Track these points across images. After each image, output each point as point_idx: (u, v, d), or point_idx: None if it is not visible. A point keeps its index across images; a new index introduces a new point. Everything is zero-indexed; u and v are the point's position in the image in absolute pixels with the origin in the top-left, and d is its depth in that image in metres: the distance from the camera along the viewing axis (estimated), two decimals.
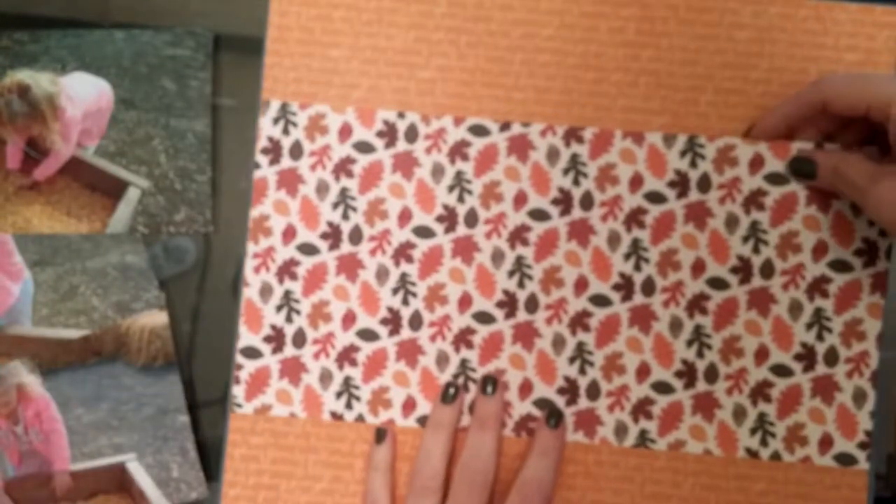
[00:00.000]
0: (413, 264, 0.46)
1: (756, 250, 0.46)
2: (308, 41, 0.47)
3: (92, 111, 0.48)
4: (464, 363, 0.46)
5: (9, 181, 0.48)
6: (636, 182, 0.46)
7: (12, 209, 0.48)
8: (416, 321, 0.46)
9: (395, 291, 0.46)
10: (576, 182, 0.46)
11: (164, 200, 0.48)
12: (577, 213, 0.46)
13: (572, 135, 0.47)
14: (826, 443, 0.45)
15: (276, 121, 0.47)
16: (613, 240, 0.46)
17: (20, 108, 0.48)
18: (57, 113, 0.48)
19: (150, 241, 0.48)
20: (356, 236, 0.46)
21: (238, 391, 0.46)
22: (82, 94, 0.48)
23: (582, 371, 0.46)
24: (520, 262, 0.46)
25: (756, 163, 0.46)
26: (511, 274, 0.46)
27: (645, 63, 0.47)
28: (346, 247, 0.46)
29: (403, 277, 0.46)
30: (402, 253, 0.46)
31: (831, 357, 0.46)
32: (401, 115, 0.47)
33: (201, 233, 0.48)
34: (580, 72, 0.47)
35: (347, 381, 0.46)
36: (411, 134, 0.47)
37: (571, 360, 0.46)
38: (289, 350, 0.46)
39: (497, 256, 0.46)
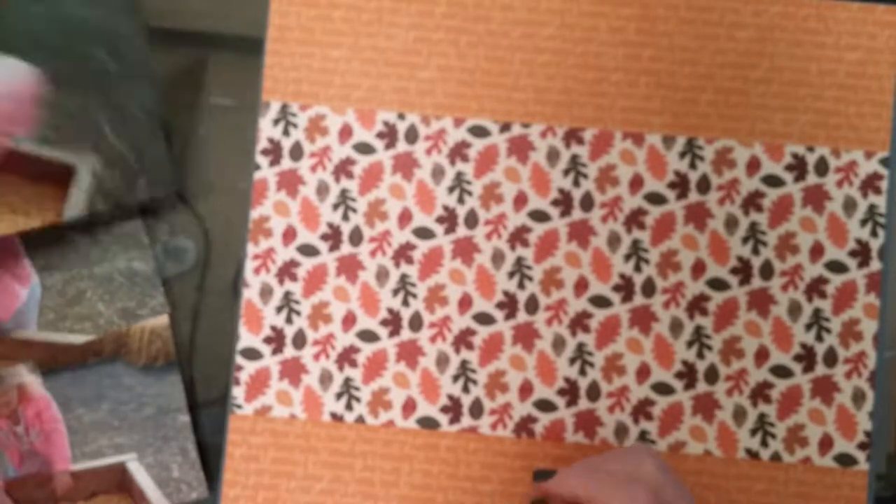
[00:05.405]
0: (413, 265, 0.46)
1: (755, 251, 0.46)
2: (308, 41, 0.47)
3: (11, 96, 0.45)
4: (464, 364, 0.46)
5: None
6: (636, 183, 0.46)
7: None
8: (416, 322, 0.46)
9: (395, 292, 0.46)
10: (576, 183, 0.46)
11: (118, 175, 0.46)
12: (577, 214, 0.46)
13: (572, 136, 0.47)
14: (826, 443, 0.46)
15: (276, 122, 0.47)
16: (613, 241, 0.46)
17: None
18: None
19: (151, 242, 0.48)
20: (356, 237, 0.46)
21: (238, 392, 0.46)
22: None
23: (582, 372, 0.46)
24: (520, 263, 0.46)
25: (753, 165, 0.46)
26: (511, 275, 0.46)
27: (645, 63, 0.47)
28: (346, 248, 0.46)
29: (403, 278, 0.46)
30: (403, 254, 0.46)
31: (830, 358, 0.46)
32: (401, 117, 0.47)
33: (169, 193, 0.47)
34: (580, 72, 0.47)
35: (347, 382, 0.46)
36: (411, 135, 0.47)
37: (572, 360, 0.46)
38: (289, 351, 0.46)
39: (497, 257, 0.46)
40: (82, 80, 0.45)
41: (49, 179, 0.45)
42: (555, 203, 0.46)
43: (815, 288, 0.46)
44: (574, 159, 0.47)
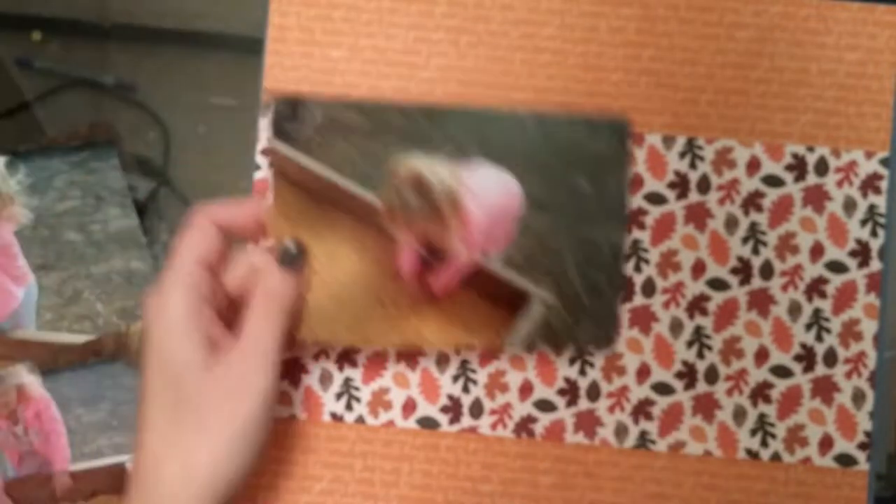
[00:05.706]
0: None
1: (755, 251, 0.46)
2: (308, 41, 0.47)
3: (498, 213, 0.42)
4: (464, 364, 0.46)
5: (402, 289, 0.43)
6: (636, 183, 0.46)
7: (405, 320, 0.43)
8: None
9: None
10: None
11: (568, 316, 0.43)
12: None
13: None
14: (826, 443, 0.45)
15: None
16: None
17: (416, 203, 0.41)
18: (459, 213, 0.42)
19: (150, 241, 0.48)
20: None
21: None
22: (488, 192, 0.42)
23: (582, 372, 0.46)
24: None
25: (753, 165, 0.46)
26: None
27: (645, 63, 0.47)
28: None
29: None
30: None
31: (830, 358, 0.46)
32: None
33: (601, 352, 0.45)
34: (580, 72, 0.47)
35: (347, 383, 0.46)
36: None
37: (571, 361, 0.46)
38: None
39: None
40: (560, 207, 0.43)
41: (502, 302, 0.43)
42: None
43: (815, 288, 0.46)
44: None
